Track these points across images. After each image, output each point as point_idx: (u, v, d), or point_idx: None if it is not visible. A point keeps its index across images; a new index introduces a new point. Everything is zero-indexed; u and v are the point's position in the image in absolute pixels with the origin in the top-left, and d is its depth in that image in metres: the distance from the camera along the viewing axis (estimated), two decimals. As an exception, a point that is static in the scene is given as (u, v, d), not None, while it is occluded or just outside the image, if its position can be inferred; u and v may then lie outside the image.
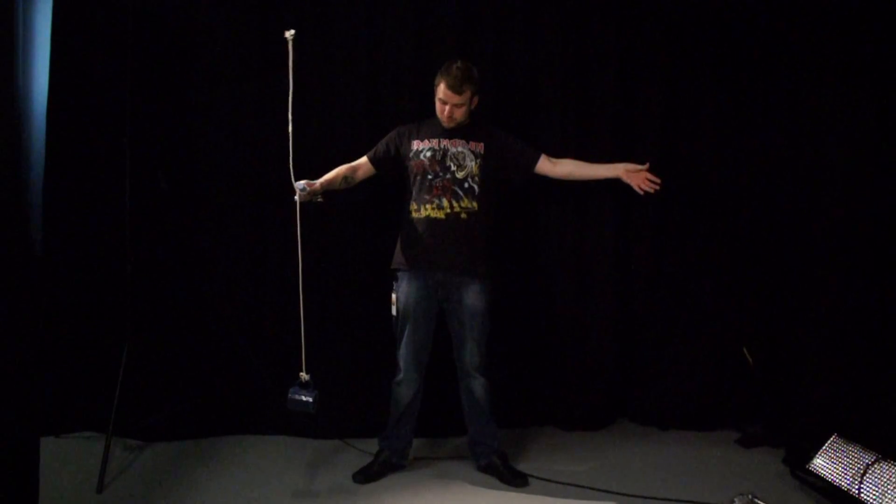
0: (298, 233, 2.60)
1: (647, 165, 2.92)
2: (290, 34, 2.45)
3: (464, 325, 2.82)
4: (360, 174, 2.90)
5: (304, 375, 2.58)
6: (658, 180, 2.90)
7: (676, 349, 3.40)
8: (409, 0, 3.23)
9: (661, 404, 3.41)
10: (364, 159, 2.90)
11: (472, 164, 2.81)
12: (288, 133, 2.49)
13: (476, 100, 2.81)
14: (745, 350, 3.33)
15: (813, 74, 3.01)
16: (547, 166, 2.93)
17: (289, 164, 2.50)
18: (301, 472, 2.90)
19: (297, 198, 2.59)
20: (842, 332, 2.91)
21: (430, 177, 2.79)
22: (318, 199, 2.70)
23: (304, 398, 2.54)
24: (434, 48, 3.21)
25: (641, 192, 2.93)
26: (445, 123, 2.80)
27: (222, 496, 2.66)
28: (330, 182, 2.78)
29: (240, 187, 3.24)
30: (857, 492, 2.50)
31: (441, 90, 2.74)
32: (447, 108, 2.75)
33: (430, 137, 2.84)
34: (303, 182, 2.60)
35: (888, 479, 2.46)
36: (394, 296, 2.85)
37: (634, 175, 2.92)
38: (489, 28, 3.26)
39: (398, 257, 2.86)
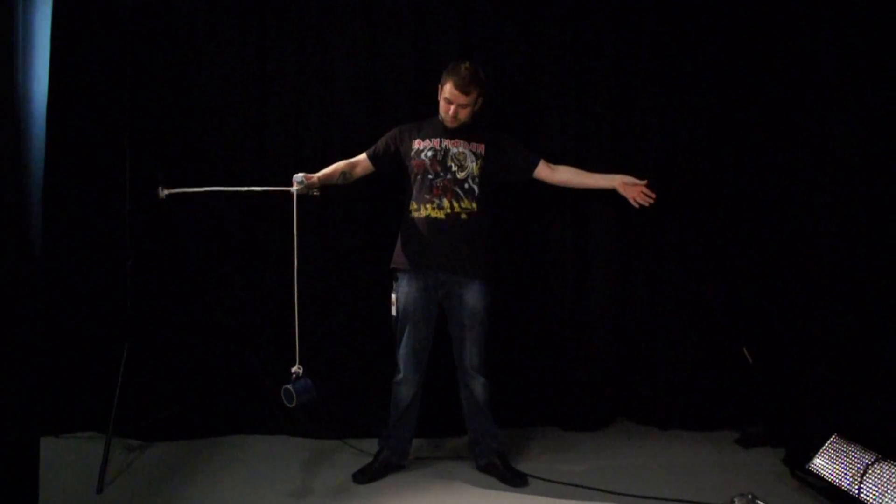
0: (295, 224, 2.64)
1: (645, 182, 2.91)
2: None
3: (464, 326, 2.81)
4: (359, 171, 2.90)
5: (295, 369, 2.61)
6: (654, 195, 2.90)
7: (676, 349, 3.40)
8: (409, 0, 3.23)
9: (661, 404, 3.41)
10: (363, 156, 2.90)
11: (472, 165, 2.80)
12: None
13: (481, 101, 2.81)
14: (745, 350, 3.33)
15: (811, 77, 3.01)
16: (545, 172, 2.93)
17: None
18: (301, 472, 2.90)
19: (294, 189, 2.63)
20: (841, 333, 2.90)
21: (430, 176, 2.79)
22: (315, 193, 2.72)
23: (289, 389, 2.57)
24: (434, 48, 3.21)
25: (636, 206, 2.93)
26: (449, 123, 2.79)
27: (222, 496, 2.66)
28: (328, 176, 2.79)
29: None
30: (857, 492, 2.50)
31: (447, 90, 2.73)
32: (452, 107, 2.74)
33: (431, 137, 2.84)
34: (301, 175, 2.64)
35: (888, 479, 2.46)
36: (393, 296, 2.85)
37: (631, 188, 2.92)
38: (489, 29, 3.26)
39: (398, 257, 2.86)
